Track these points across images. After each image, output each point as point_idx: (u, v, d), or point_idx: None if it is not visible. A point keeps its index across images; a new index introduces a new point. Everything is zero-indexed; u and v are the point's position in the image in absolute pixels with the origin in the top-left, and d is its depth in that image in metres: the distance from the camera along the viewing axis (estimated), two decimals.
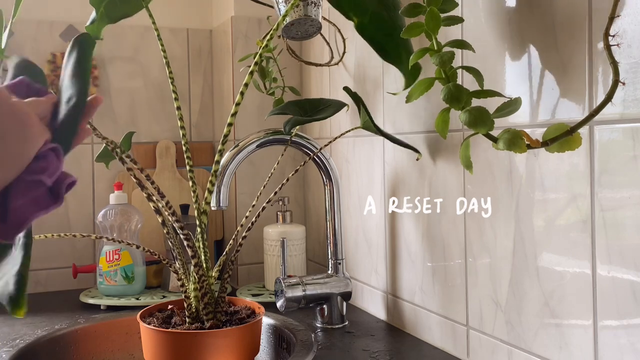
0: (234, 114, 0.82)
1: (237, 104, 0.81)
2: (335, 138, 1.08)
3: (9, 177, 0.55)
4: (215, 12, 1.60)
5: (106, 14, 0.95)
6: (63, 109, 0.63)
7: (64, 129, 0.60)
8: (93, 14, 0.96)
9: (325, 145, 1.09)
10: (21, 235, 0.65)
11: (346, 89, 1.00)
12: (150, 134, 1.57)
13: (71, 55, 0.66)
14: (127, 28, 1.53)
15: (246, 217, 0.99)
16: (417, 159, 1.02)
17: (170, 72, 0.94)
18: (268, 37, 0.82)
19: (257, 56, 0.84)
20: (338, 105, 1.07)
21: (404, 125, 1.06)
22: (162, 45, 0.94)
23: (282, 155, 1.09)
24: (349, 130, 1.09)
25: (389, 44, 0.83)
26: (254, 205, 0.99)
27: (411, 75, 0.85)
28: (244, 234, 0.95)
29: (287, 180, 0.97)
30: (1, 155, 0.54)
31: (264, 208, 0.96)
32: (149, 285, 1.41)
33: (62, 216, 1.46)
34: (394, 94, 0.94)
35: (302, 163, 1.01)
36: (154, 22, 0.94)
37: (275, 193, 0.95)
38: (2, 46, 0.96)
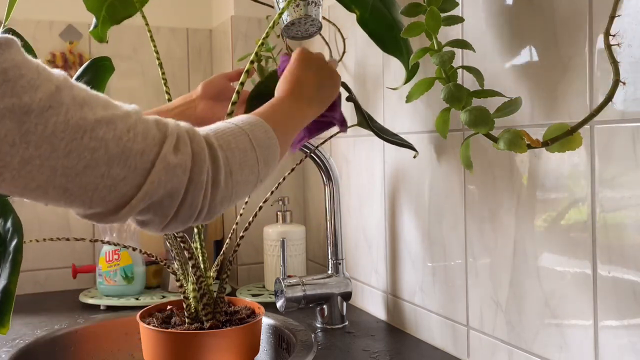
0: (230, 114, 0.82)
1: (234, 103, 0.81)
2: (332, 136, 1.08)
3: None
4: (215, 12, 1.60)
5: (109, 17, 0.95)
6: None
7: None
8: (94, 19, 0.96)
9: (322, 143, 1.08)
10: (10, 248, 0.66)
11: (343, 85, 0.99)
12: None
13: (82, 78, 0.66)
14: (126, 27, 1.52)
15: (240, 214, 1.00)
16: (414, 157, 1.01)
17: (163, 73, 0.93)
18: (264, 35, 0.82)
19: (253, 55, 0.84)
20: None
21: (404, 125, 1.05)
22: (154, 46, 0.93)
23: None
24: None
25: (389, 37, 0.88)
26: (247, 203, 0.99)
27: (412, 68, 0.88)
28: (241, 234, 0.95)
29: (284, 179, 0.96)
30: (324, 97, 0.82)
31: (260, 207, 0.96)
32: (149, 285, 1.41)
33: (62, 217, 1.46)
34: (394, 88, 0.94)
35: (299, 161, 1.00)
36: (147, 24, 0.94)
37: (272, 192, 0.95)
38: None
